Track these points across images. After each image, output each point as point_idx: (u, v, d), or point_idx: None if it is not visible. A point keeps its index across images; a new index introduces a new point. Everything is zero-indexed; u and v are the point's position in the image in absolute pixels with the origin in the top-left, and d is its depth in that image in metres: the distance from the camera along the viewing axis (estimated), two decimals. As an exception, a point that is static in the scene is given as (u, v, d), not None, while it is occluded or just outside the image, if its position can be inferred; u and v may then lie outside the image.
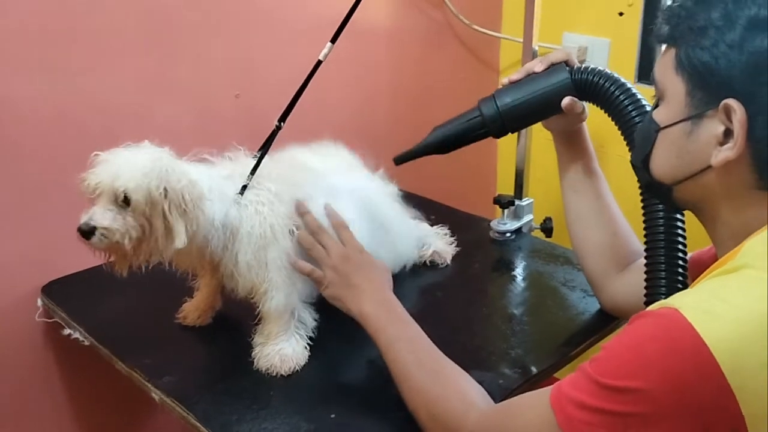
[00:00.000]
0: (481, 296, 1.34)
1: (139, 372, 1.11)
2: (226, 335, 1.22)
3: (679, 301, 0.71)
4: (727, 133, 0.75)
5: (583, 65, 1.11)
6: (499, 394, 1.02)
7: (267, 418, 1.00)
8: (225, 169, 1.13)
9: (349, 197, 1.20)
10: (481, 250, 1.49)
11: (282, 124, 1.16)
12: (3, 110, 1.26)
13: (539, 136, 1.50)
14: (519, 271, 1.42)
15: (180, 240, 1.00)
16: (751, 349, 0.66)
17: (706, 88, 0.76)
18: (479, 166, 2.22)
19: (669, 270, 0.98)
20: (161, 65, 1.45)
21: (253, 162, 1.14)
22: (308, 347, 1.13)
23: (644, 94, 1.09)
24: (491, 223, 1.53)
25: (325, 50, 1.15)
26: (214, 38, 1.52)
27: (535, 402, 0.81)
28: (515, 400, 0.88)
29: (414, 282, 1.33)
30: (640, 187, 1.01)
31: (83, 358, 1.42)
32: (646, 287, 1.00)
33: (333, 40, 1.15)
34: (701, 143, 0.78)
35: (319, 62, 1.15)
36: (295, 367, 1.10)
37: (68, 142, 1.35)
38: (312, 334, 1.14)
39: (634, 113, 1.03)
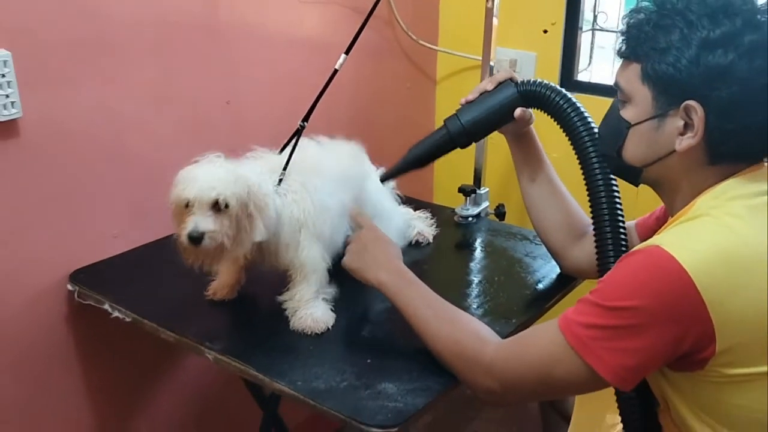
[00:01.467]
0: (460, 268, 1.60)
1: (190, 338, 1.28)
2: (252, 306, 1.41)
3: (658, 241, 0.98)
4: (686, 126, 1.01)
5: (525, 79, 1.36)
6: (497, 338, 1.27)
7: (315, 365, 1.20)
8: (257, 166, 1.31)
9: (354, 188, 1.42)
10: (450, 232, 1.74)
11: (305, 124, 1.36)
12: (32, 115, 1.39)
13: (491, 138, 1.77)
14: (486, 248, 1.69)
15: (260, 233, 1.21)
16: (716, 269, 0.93)
17: (670, 93, 1.02)
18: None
19: (615, 242, 1.22)
20: (163, 75, 1.61)
21: (274, 157, 1.35)
22: (333, 310, 1.34)
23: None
24: (456, 209, 1.79)
25: (340, 60, 1.37)
26: (208, 51, 1.69)
27: (546, 330, 1.05)
28: (526, 332, 1.12)
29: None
30: (592, 173, 1.25)
31: (106, 340, 1.58)
32: (597, 258, 1.25)
33: (347, 52, 1.37)
34: (666, 134, 1.04)
35: (336, 71, 1.36)
36: (325, 327, 1.30)
37: (85, 144, 1.49)
38: (334, 300, 1.35)
39: (570, 112, 1.29)
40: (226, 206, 1.17)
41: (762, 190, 1.00)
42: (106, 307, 1.39)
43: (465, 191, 1.78)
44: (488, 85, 1.37)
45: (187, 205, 1.17)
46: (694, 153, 1.03)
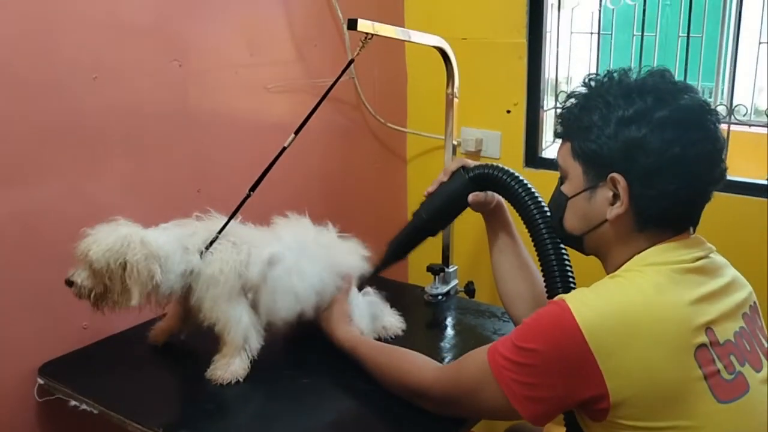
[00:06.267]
0: (430, 347, 1.60)
1: (157, 430, 1.28)
2: (221, 394, 1.40)
3: (567, 295, 1.06)
4: (615, 196, 1.09)
5: (475, 164, 1.43)
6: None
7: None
8: (192, 228, 1.40)
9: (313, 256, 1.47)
10: (420, 312, 1.76)
11: (251, 192, 1.41)
12: (1, 211, 1.42)
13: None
14: (456, 326, 1.71)
15: (135, 300, 1.29)
16: (608, 325, 1.00)
17: (597, 168, 1.10)
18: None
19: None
20: (137, 166, 1.65)
21: (220, 220, 1.41)
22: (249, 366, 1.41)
23: (530, 175, 1.42)
24: (425, 288, 1.81)
25: (289, 139, 1.43)
26: (179, 141, 1.74)
27: (477, 357, 1.13)
28: (463, 358, 1.18)
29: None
30: (542, 241, 1.30)
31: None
32: None
33: (296, 132, 1.43)
34: (598, 205, 1.12)
35: (284, 149, 1.42)
36: (237, 379, 1.39)
37: (56, 235, 1.50)
38: (255, 356, 1.41)
39: (518, 188, 1.34)
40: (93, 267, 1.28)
41: (677, 260, 1.07)
42: (73, 402, 1.39)
43: (433, 270, 1.80)
44: (443, 176, 1.46)
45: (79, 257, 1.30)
46: (624, 221, 1.10)
